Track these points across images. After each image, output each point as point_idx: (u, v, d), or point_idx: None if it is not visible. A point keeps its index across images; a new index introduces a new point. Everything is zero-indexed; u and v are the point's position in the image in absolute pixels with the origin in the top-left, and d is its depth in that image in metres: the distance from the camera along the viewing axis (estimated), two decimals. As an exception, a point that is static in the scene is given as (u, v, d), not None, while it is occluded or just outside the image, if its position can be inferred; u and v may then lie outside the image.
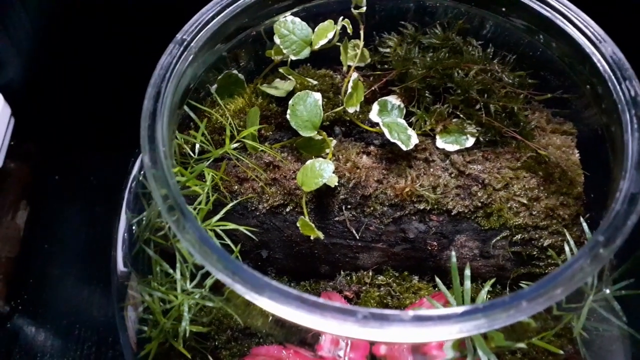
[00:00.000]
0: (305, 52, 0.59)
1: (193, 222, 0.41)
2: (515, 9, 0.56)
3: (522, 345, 0.43)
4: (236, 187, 0.58)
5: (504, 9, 0.57)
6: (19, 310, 0.76)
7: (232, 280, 0.38)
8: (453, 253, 0.48)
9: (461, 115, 0.59)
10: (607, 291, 0.47)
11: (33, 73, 0.85)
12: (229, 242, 0.51)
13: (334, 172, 0.55)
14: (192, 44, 0.51)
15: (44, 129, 0.90)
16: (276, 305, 0.37)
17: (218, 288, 0.48)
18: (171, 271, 0.49)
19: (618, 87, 0.48)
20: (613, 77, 0.48)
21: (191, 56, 0.51)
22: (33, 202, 0.85)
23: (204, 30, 0.52)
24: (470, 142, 0.59)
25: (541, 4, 0.53)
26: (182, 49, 0.50)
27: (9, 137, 0.82)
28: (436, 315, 0.36)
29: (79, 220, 0.85)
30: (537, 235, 0.56)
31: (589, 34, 0.51)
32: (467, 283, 0.45)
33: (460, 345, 0.45)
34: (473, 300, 0.47)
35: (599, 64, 0.50)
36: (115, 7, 0.78)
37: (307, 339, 0.48)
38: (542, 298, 0.37)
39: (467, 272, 0.46)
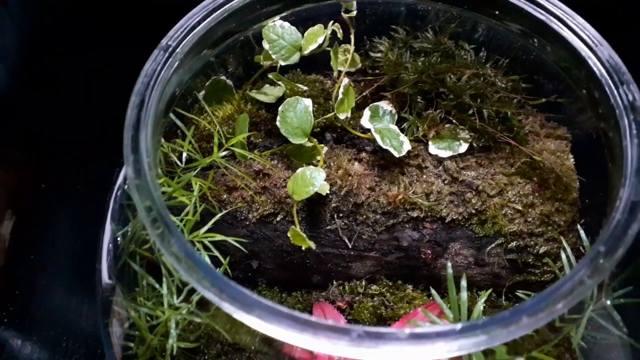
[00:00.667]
0: (295, 57, 0.58)
1: (178, 236, 0.39)
2: (508, 12, 0.55)
3: (521, 359, 0.42)
4: (225, 196, 0.56)
5: (497, 12, 0.56)
6: (4, 323, 0.74)
7: (220, 299, 0.36)
8: (449, 263, 0.47)
9: (454, 121, 0.59)
10: (608, 302, 0.46)
11: (18, 78, 0.83)
12: (217, 253, 0.50)
13: (325, 180, 0.54)
14: (177, 50, 0.50)
15: (29, 136, 0.88)
16: (266, 324, 0.36)
17: (205, 303, 0.46)
18: (157, 286, 0.47)
19: (615, 91, 0.47)
20: (610, 82, 0.48)
21: (177, 62, 0.49)
22: (19, 212, 0.83)
23: (190, 36, 0.51)
24: (463, 148, 0.58)
25: (535, 7, 0.52)
26: (167, 55, 0.49)
27: (-7, 144, 0.81)
28: (434, 332, 0.35)
29: (66, 229, 0.83)
30: (532, 242, 0.56)
31: (585, 37, 0.50)
32: (464, 294, 0.44)
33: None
34: (469, 310, 0.45)
35: (595, 68, 0.49)
36: (101, 10, 0.77)
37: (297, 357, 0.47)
38: (543, 313, 0.36)
39: (464, 282, 0.44)
